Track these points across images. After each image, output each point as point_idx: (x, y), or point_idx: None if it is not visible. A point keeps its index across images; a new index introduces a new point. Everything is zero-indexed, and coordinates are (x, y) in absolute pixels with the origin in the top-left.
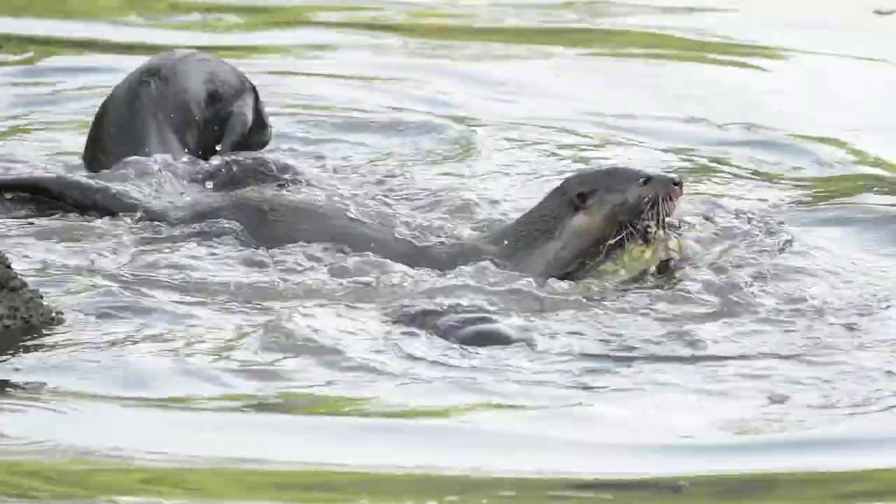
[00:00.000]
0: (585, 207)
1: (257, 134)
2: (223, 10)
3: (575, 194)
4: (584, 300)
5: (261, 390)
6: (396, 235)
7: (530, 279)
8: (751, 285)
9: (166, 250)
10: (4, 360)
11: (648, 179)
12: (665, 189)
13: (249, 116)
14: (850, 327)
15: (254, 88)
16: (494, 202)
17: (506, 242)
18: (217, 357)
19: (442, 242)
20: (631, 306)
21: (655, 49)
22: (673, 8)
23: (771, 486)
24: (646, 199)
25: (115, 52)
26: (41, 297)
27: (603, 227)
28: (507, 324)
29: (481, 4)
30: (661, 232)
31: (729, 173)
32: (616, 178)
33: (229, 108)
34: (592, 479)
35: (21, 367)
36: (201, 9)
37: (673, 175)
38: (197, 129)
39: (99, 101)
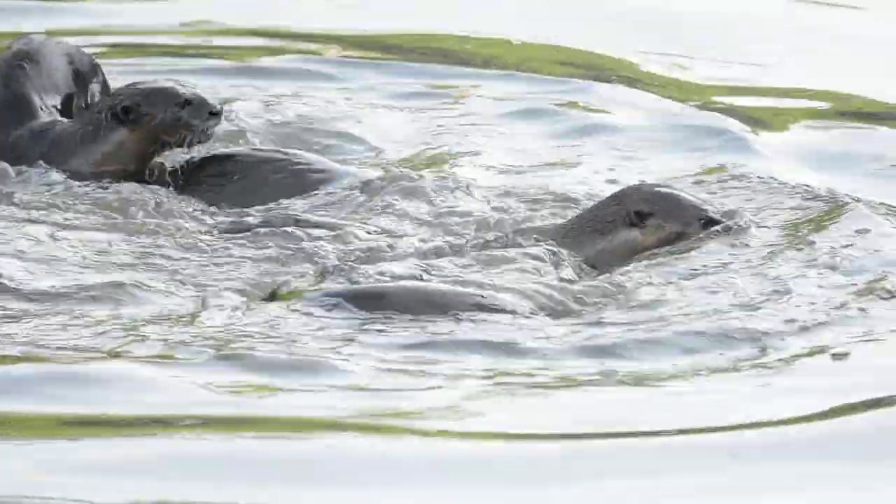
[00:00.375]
0: (643, 226)
1: None
2: None
3: (634, 211)
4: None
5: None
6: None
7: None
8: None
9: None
10: None
11: (710, 222)
12: (721, 234)
13: (107, 90)
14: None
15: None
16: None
17: (557, 234)
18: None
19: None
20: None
21: None
22: None
23: None
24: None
25: None
26: None
27: (653, 246)
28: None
29: None
30: None
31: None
32: (680, 208)
33: (91, 84)
34: None
35: None
36: None
37: (730, 222)
38: (72, 105)
39: None
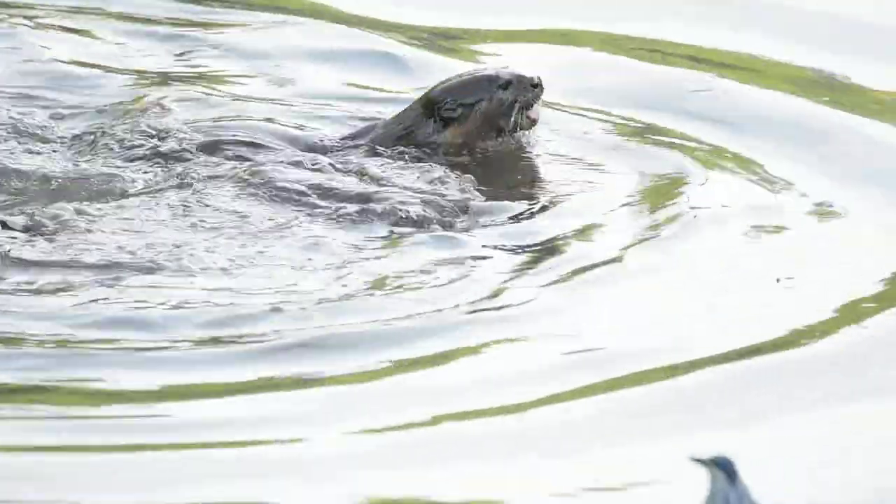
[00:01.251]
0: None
1: None
2: None
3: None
4: None
5: None
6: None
7: None
8: None
9: None
10: None
11: (508, 84)
12: (525, 93)
13: None
14: None
15: None
16: None
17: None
18: None
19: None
20: None
21: None
22: None
23: None
24: (507, 103)
25: None
26: None
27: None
28: None
29: None
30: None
31: None
32: (474, 86)
33: None
34: None
35: None
36: None
37: (532, 76)
38: None
39: None
